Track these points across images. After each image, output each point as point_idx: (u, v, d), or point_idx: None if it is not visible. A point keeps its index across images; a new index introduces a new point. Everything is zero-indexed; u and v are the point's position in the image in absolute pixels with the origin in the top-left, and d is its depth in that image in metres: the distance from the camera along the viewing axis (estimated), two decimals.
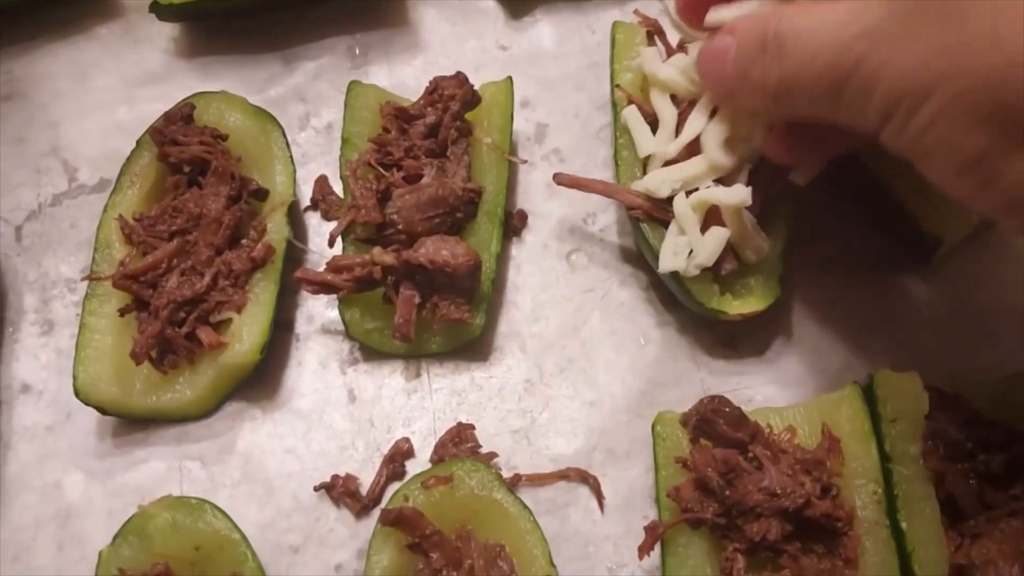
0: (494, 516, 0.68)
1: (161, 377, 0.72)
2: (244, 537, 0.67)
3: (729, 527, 0.65)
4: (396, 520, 0.65)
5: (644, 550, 0.64)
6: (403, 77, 0.88)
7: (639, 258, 0.80)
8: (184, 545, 0.66)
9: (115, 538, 0.66)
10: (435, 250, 0.71)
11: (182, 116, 0.77)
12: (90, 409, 0.73)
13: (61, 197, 0.83)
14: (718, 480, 0.65)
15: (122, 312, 0.72)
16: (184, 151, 0.75)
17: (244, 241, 0.75)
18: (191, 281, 0.72)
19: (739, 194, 0.69)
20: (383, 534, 0.67)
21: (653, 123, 0.76)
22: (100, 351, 0.71)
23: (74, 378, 0.71)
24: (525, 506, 0.68)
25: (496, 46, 0.90)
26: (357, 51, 0.89)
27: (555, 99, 0.87)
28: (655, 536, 0.65)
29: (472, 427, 0.74)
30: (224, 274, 0.73)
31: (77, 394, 0.71)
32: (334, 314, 0.78)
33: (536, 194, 0.83)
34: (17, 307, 0.79)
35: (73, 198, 0.83)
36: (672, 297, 0.78)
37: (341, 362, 0.77)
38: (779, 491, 0.63)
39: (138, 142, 0.78)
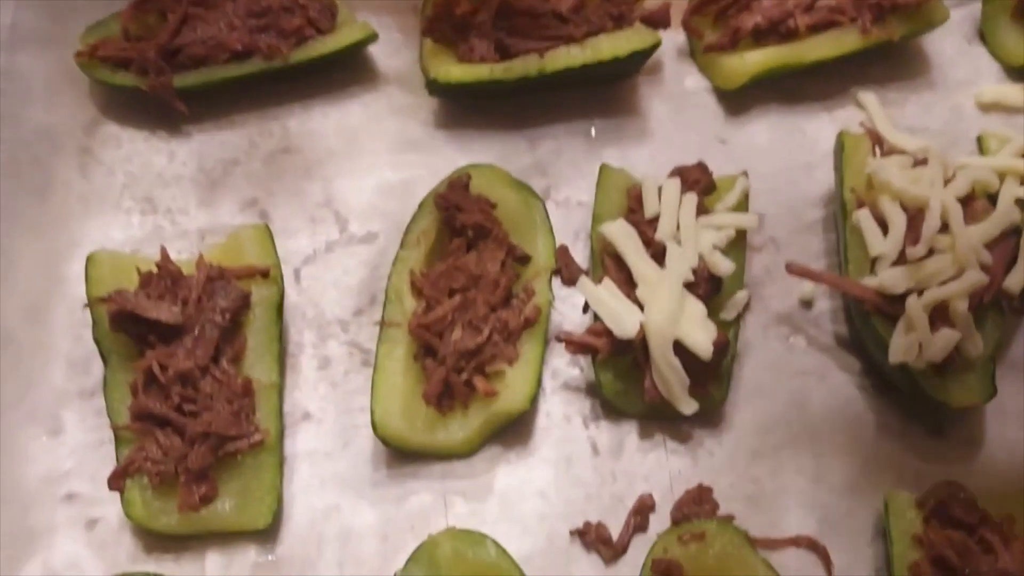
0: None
1: (438, 417, 0.79)
2: (523, 575, 0.73)
3: None
4: (666, 570, 0.72)
5: None
6: (634, 160, 0.96)
7: (853, 345, 0.87)
8: (467, 575, 0.73)
9: (408, 562, 0.73)
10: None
11: (462, 184, 0.86)
12: (363, 440, 0.81)
13: (334, 245, 0.91)
14: (956, 559, 0.71)
15: (417, 357, 0.80)
16: (469, 217, 0.83)
17: (513, 301, 0.83)
18: (472, 334, 0.80)
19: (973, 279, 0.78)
20: None
21: (879, 224, 0.84)
22: (393, 389, 0.79)
23: (372, 412, 0.78)
24: (772, 567, 0.74)
25: (716, 139, 0.99)
26: (594, 134, 0.98)
27: (771, 191, 0.94)
28: None
29: (710, 489, 0.80)
30: (499, 329, 0.81)
31: (375, 427, 0.78)
32: (576, 372, 0.86)
33: (754, 279, 0.90)
34: (297, 341, 0.87)
35: (344, 246, 0.91)
36: (885, 383, 0.85)
37: (584, 417, 0.84)
38: (1014, 572, 0.70)
39: (421, 205, 0.87)
